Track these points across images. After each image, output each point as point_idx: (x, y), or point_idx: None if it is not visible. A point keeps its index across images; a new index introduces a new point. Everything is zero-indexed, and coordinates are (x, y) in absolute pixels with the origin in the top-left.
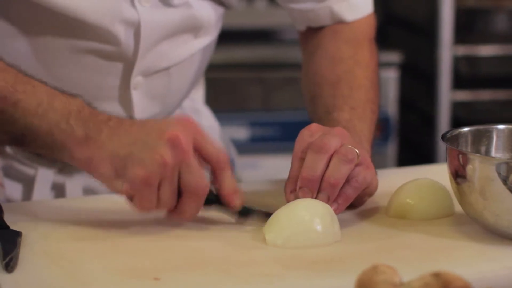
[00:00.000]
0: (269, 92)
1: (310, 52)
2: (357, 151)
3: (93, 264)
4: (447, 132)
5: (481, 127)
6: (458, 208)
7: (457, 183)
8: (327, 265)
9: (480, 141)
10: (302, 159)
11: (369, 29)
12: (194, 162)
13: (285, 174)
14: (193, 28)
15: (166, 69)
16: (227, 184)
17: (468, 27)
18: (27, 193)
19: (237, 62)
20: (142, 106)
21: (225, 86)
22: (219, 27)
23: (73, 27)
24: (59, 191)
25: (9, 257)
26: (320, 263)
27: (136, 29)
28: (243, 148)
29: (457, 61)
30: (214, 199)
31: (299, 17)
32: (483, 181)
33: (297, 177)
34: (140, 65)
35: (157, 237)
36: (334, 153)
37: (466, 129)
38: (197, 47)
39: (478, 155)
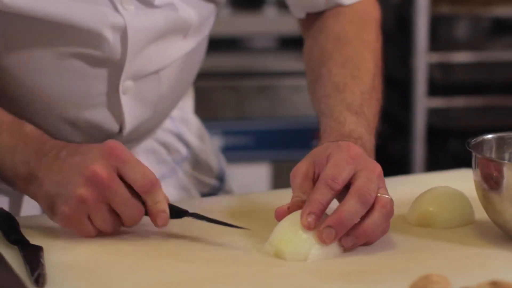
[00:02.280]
0: (242, 100)
1: (313, 36)
2: (391, 199)
3: (124, 278)
4: (471, 139)
5: (504, 134)
6: (478, 216)
7: (486, 191)
8: (364, 276)
9: (503, 149)
10: (331, 188)
11: (372, 10)
12: (119, 193)
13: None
14: (181, 29)
15: (156, 72)
16: (151, 206)
17: (442, 34)
18: (15, 207)
19: (209, 71)
20: (133, 112)
21: (198, 95)
22: (211, 25)
23: (60, 33)
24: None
25: (36, 273)
26: (355, 274)
27: (123, 33)
28: None
29: (432, 68)
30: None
31: (296, 3)
32: None
33: (321, 202)
34: (129, 69)
35: (181, 251)
36: (375, 201)
37: (490, 136)
38: (187, 48)
39: (510, 163)
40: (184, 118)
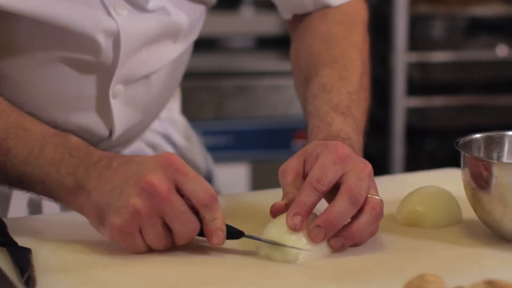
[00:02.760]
0: (221, 100)
1: (301, 37)
2: (381, 200)
3: (118, 279)
4: (460, 139)
5: (492, 133)
6: (465, 215)
7: (475, 191)
8: (357, 276)
9: (491, 148)
10: (316, 189)
11: (361, 11)
12: (176, 207)
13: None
14: (172, 33)
15: (147, 76)
16: (208, 222)
17: (421, 33)
18: (2, 210)
19: (187, 71)
20: (122, 116)
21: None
22: (200, 29)
23: (53, 36)
24: (35, 207)
25: (26, 274)
26: (348, 274)
27: (115, 38)
28: None
29: (410, 68)
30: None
31: (284, 5)
32: (504, 189)
33: (307, 204)
34: (120, 73)
35: (172, 253)
36: (364, 202)
37: (478, 135)
38: (177, 53)
39: (500, 162)
40: (171, 119)
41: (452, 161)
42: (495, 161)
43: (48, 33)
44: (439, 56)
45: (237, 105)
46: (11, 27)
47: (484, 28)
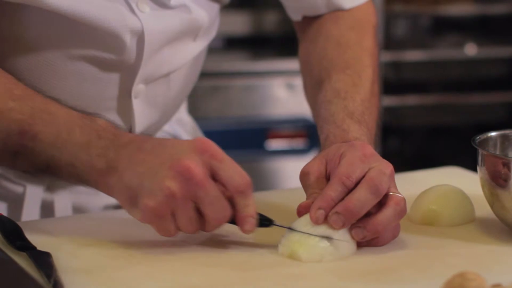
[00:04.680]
0: (194, 101)
1: (312, 39)
2: (404, 198)
3: (140, 282)
4: (476, 137)
5: (508, 131)
6: (477, 213)
7: (493, 188)
8: (383, 275)
9: (505, 145)
10: (345, 185)
11: (371, 16)
12: (211, 192)
13: None
14: (193, 31)
15: (167, 75)
16: (241, 208)
17: (395, 32)
18: (15, 212)
19: None
20: (142, 115)
21: None
22: (217, 27)
23: (73, 34)
24: (48, 209)
25: (52, 278)
26: (375, 273)
27: (139, 36)
28: None
29: (384, 67)
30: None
31: (294, 6)
32: None
33: (334, 200)
34: (143, 72)
35: (192, 255)
36: (388, 198)
37: (494, 133)
38: (196, 51)
39: None
40: (179, 119)
41: (420, 160)
42: None
43: (68, 30)
44: (413, 55)
45: (210, 105)
46: (30, 23)
47: (454, 27)
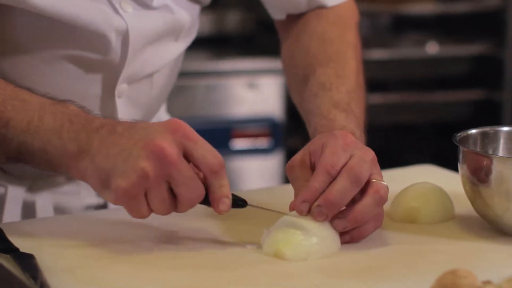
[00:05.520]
0: None
1: (295, 37)
2: (386, 186)
3: (126, 283)
4: (457, 134)
5: (488, 128)
6: (456, 211)
7: (475, 186)
8: (371, 272)
9: (487, 143)
10: (330, 175)
11: (353, 13)
12: (184, 172)
13: None
14: (176, 31)
15: (150, 75)
16: (215, 189)
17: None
18: None
19: None
20: (126, 115)
21: None
22: (197, 29)
23: (58, 34)
24: (29, 210)
25: (39, 280)
26: (363, 270)
27: (124, 36)
28: None
29: None
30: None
31: (277, 5)
32: (508, 183)
33: (319, 191)
34: (126, 72)
35: (175, 255)
36: (368, 186)
37: (474, 131)
38: (178, 51)
39: (505, 157)
40: (159, 118)
41: (383, 159)
42: (500, 155)
43: (53, 31)
44: (373, 54)
45: (174, 105)
46: (14, 23)
47: (415, 26)
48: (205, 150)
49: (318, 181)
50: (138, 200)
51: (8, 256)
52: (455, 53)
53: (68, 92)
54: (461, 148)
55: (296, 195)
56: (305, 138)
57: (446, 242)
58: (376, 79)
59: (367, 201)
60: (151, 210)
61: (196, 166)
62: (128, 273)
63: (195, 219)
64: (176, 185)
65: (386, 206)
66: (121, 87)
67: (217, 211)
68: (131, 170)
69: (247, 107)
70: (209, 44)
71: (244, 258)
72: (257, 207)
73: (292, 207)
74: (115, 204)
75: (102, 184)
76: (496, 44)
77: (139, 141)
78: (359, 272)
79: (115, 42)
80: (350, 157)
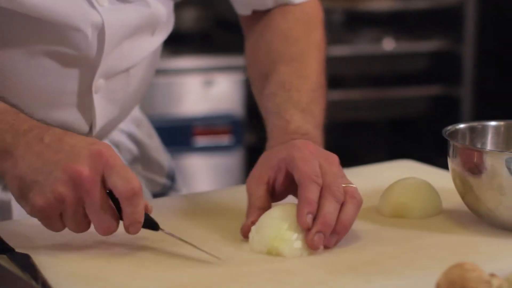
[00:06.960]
0: None
1: (259, 32)
2: (356, 187)
3: (127, 283)
4: (446, 129)
5: (476, 123)
6: (444, 205)
7: (466, 180)
8: (369, 268)
9: (474, 137)
10: (317, 184)
11: (318, 10)
12: (97, 201)
13: None
14: (151, 25)
15: (127, 70)
16: (127, 215)
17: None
18: None
19: None
20: (103, 111)
21: None
22: (172, 24)
23: (38, 31)
24: (5, 209)
25: (39, 280)
26: (360, 266)
27: (100, 30)
28: None
29: None
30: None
31: (243, 1)
32: (501, 177)
33: (316, 201)
34: (103, 67)
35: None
36: (344, 194)
37: (462, 125)
38: (154, 46)
39: (497, 151)
40: (134, 117)
41: (341, 155)
42: (492, 150)
43: (29, 26)
44: (329, 51)
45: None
46: None
47: (371, 22)
48: (118, 177)
49: (311, 191)
50: (53, 219)
51: (4, 256)
52: (412, 49)
53: (45, 88)
54: (452, 143)
55: (248, 210)
56: (266, 135)
57: (439, 236)
58: (333, 76)
59: (348, 208)
60: (65, 226)
61: (113, 192)
62: (129, 272)
63: (192, 218)
64: (89, 213)
65: (370, 202)
66: (98, 82)
67: (128, 232)
68: (49, 192)
69: (206, 105)
70: (165, 41)
71: (241, 255)
72: (171, 234)
73: (244, 233)
74: (30, 215)
75: (21, 193)
76: (454, 39)
77: (63, 160)
78: (357, 268)
79: (91, 36)
80: (323, 174)
